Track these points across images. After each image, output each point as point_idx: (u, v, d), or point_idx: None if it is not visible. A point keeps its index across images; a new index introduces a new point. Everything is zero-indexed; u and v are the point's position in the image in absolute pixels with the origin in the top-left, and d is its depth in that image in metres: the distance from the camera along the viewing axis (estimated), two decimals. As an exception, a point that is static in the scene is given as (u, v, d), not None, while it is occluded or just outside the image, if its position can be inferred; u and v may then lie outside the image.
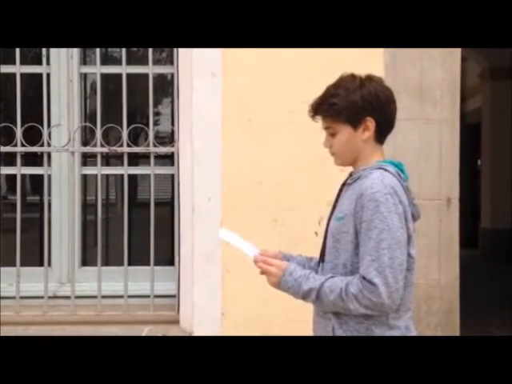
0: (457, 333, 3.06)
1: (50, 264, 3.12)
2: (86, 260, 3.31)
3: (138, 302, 3.07)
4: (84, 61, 3.41)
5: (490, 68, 10.08)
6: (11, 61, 3.10)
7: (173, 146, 3.10)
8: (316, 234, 2.72)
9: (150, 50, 3.07)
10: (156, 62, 3.41)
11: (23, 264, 3.09)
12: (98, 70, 3.12)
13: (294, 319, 2.72)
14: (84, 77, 3.36)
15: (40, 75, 3.10)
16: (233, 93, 2.97)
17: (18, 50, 3.05)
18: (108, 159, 3.57)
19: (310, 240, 2.69)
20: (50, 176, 3.14)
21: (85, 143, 3.29)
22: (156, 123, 3.38)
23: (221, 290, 2.95)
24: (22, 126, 3.05)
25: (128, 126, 3.07)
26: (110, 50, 3.72)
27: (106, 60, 3.58)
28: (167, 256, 3.36)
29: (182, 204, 3.02)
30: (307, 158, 2.90)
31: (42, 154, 3.09)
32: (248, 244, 1.92)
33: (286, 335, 2.00)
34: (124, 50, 3.10)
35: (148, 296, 3.05)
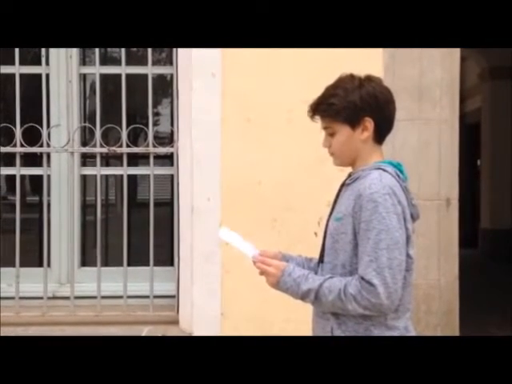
0: (456, 333, 3.06)
1: (49, 264, 3.12)
2: (86, 260, 3.31)
3: (138, 303, 3.07)
4: (83, 61, 3.41)
5: (490, 68, 10.08)
6: (11, 61, 3.10)
7: (172, 147, 3.10)
8: (315, 234, 2.72)
9: (150, 50, 3.07)
10: (155, 63, 3.41)
11: (23, 264, 3.09)
12: (97, 70, 3.12)
13: (294, 319, 2.72)
14: (83, 77, 3.36)
15: (39, 76, 3.10)
16: (232, 93, 2.97)
17: (17, 51, 3.05)
18: (107, 159, 3.57)
19: (309, 240, 2.69)
20: (49, 176, 3.14)
21: (84, 143, 3.29)
22: (155, 123, 3.38)
23: (220, 290, 2.95)
24: (21, 126, 3.05)
25: (127, 126, 3.07)
26: (109, 50, 3.72)
27: (106, 60, 3.58)
28: (166, 256, 3.36)
29: (182, 204, 3.03)
30: (306, 158, 2.90)
31: (41, 154, 3.09)
32: (247, 244, 1.92)
33: (285, 335, 2.00)
34: (123, 50, 3.10)
35: (147, 296, 3.05)
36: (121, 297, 3.04)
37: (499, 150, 10.03)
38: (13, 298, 3.03)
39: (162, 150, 3.14)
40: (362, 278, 1.71)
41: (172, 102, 3.24)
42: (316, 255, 1.95)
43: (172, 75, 3.16)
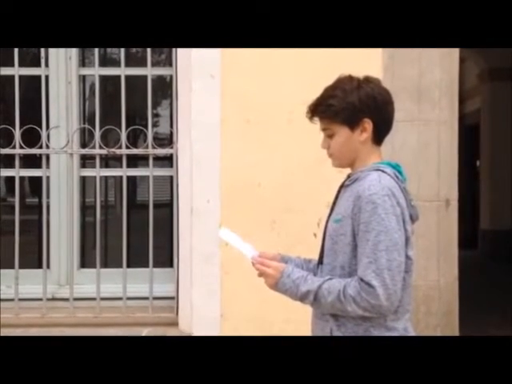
0: (456, 334, 3.06)
1: (48, 266, 3.12)
2: (85, 262, 3.31)
3: (137, 304, 3.07)
4: (83, 63, 3.41)
5: (489, 69, 10.09)
6: (10, 63, 3.10)
7: (171, 148, 3.10)
8: (315, 235, 2.72)
9: (149, 51, 3.07)
10: (155, 64, 3.41)
11: (22, 266, 3.08)
12: (96, 71, 3.12)
13: (293, 320, 2.72)
14: (83, 79, 3.36)
15: (39, 77, 3.10)
16: (231, 94, 2.97)
17: (16, 52, 3.05)
18: (107, 161, 3.57)
19: (308, 241, 2.69)
20: (48, 178, 3.14)
21: (83, 145, 3.29)
22: (155, 125, 3.37)
23: (220, 291, 2.95)
24: (20, 128, 3.05)
25: (127, 127, 3.07)
26: (108, 51, 3.72)
27: (105, 62, 3.58)
28: (166, 258, 3.36)
29: (181, 206, 3.02)
30: (306, 159, 2.90)
31: (40, 155, 3.09)
32: (247, 245, 1.92)
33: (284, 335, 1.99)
34: (123, 51, 3.10)
35: (147, 298, 3.04)
36: (120, 298, 3.04)
37: (498, 151, 10.03)
38: (12, 299, 3.03)
39: (161, 152, 3.14)
40: (362, 280, 1.71)
41: (171, 104, 3.24)
42: (315, 256, 1.94)
43: (171, 76, 3.16)
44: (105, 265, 3.32)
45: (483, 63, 10.15)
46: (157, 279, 3.07)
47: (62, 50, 3.15)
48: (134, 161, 3.50)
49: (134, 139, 3.56)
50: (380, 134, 1.86)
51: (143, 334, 2.93)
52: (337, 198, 1.90)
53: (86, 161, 3.45)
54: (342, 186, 1.90)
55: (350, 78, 1.85)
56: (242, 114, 2.97)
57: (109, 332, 2.90)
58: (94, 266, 3.10)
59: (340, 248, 1.80)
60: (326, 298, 1.75)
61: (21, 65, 3.10)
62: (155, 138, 3.12)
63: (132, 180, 3.82)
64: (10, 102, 3.22)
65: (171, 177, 3.17)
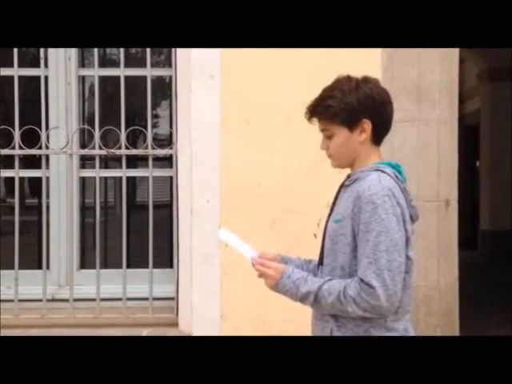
0: (456, 334, 3.06)
1: (48, 267, 3.11)
2: (85, 263, 3.31)
3: (137, 305, 3.07)
4: (82, 63, 3.41)
5: (489, 69, 10.09)
6: (9, 63, 3.10)
7: (171, 148, 3.10)
8: (315, 235, 2.72)
9: (148, 52, 3.07)
10: (154, 65, 3.41)
11: (22, 267, 3.08)
12: (96, 72, 3.12)
13: (293, 321, 2.72)
14: (82, 79, 3.36)
15: (38, 78, 3.10)
16: (231, 94, 2.97)
17: (16, 53, 3.05)
18: (106, 162, 3.56)
19: (308, 242, 2.69)
20: (48, 178, 3.14)
21: (83, 146, 3.29)
22: (154, 125, 3.37)
23: (219, 292, 2.95)
24: (20, 128, 3.05)
25: (126, 128, 3.06)
26: (108, 52, 3.72)
27: (104, 62, 3.58)
28: (166, 258, 3.36)
29: (181, 206, 3.02)
30: (306, 159, 2.90)
31: (40, 156, 3.09)
32: (246, 246, 1.92)
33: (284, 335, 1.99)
34: (122, 52, 3.09)
35: (147, 298, 3.04)
36: (120, 299, 3.03)
37: (498, 152, 10.03)
38: (12, 300, 3.02)
39: (161, 152, 3.14)
40: (362, 280, 1.71)
41: (171, 104, 3.24)
42: (315, 257, 1.94)
43: (171, 77, 3.16)
44: (105, 265, 3.32)
45: (483, 64, 10.15)
46: (157, 280, 3.07)
47: (61, 51, 3.14)
48: (134, 161, 3.50)
49: (134, 140, 3.55)
50: (379, 135, 1.86)
51: (143, 335, 2.93)
52: (336, 198, 1.90)
53: (85, 161, 3.45)
54: (341, 186, 1.90)
55: (349, 79, 1.85)
56: (241, 114, 2.97)
57: (109, 332, 2.90)
58: (93, 267, 3.09)
59: (340, 248, 1.80)
60: (326, 299, 1.75)
61: (20, 65, 3.10)
62: (155, 139, 3.12)
63: (132, 180, 3.82)
64: (9, 103, 3.21)
65: (171, 177, 3.17)
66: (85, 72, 3.31)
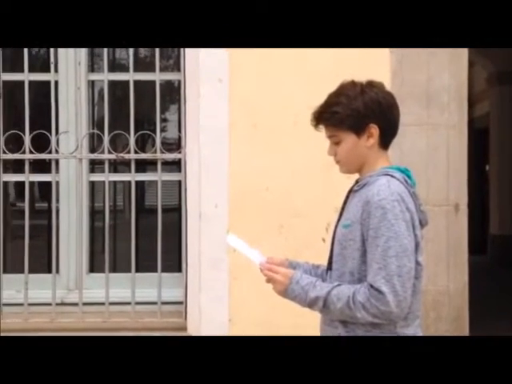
0: (466, 339, 3.04)
1: (57, 271, 3.12)
2: (94, 266, 3.32)
3: (146, 309, 3.07)
4: (92, 68, 3.43)
5: (498, 73, 10.05)
6: (20, 68, 3.12)
7: (180, 153, 3.11)
8: (323, 240, 2.71)
9: (157, 56, 3.08)
10: (163, 69, 3.43)
11: (31, 271, 3.09)
12: (105, 77, 3.14)
13: (302, 326, 2.70)
14: (92, 84, 3.38)
15: (48, 82, 3.12)
16: (239, 98, 2.97)
17: (26, 58, 3.07)
18: (115, 166, 3.58)
19: (316, 246, 2.68)
20: (57, 183, 3.15)
21: (92, 150, 3.30)
22: (163, 130, 3.39)
23: (228, 296, 2.94)
24: (30, 133, 3.06)
25: (135, 132, 3.07)
26: (117, 57, 3.74)
27: (114, 67, 3.60)
28: (174, 262, 3.36)
29: (189, 210, 3.03)
30: (314, 163, 2.89)
31: (50, 160, 3.10)
32: (254, 251, 1.92)
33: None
34: (131, 56, 3.11)
35: (155, 303, 3.04)
36: (129, 303, 3.04)
37: (508, 155, 9.98)
38: (21, 304, 3.03)
39: (169, 156, 3.14)
40: (371, 286, 1.70)
41: (179, 108, 3.25)
42: (323, 261, 1.94)
43: (179, 81, 3.17)
44: (113, 269, 3.33)
45: (491, 67, 10.11)
46: (165, 284, 3.07)
47: (71, 56, 3.16)
48: (143, 165, 3.51)
49: (143, 144, 3.57)
50: (386, 139, 1.85)
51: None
52: (345, 203, 1.89)
53: (94, 165, 3.47)
54: (350, 191, 1.89)
55: (353, 84, 1.84)
56: (250, 118, 2.98)
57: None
58: (102, 271, 3.10)
59: (349, 253, 1.79)
60: (335, 305, 1.74)
61: (30, 70, 3.12)
62: (163, 143, 3.13)
63: (140, 185, 3.84)
64: (19, 108, 3.23)
65: (179, 181, 3.17)
66: (94, 77, 3.33)
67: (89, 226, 3.26)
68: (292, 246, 2.86)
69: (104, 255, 3.08)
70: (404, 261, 1.70)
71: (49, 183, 3.15)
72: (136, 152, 3.07)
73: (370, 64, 2.81)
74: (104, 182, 3.12)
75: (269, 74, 2.99)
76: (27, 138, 3.06)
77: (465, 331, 3.06)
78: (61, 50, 3.15)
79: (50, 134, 3.08)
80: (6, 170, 3.16)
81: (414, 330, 1.79)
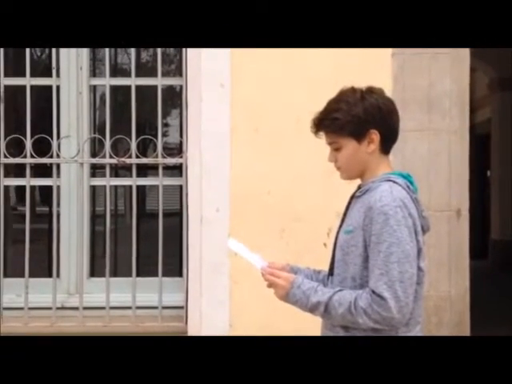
0: (467, 345, 3.03)
1: (58, 275, 3.12)
2: (95, 271, 3.31)
3: (146, 313, 3.06)
4: (93, 73, 3.44)
5: (499, 78, 10.06)
6: (21, 73, 3.12)
7: (181, 157, 3.11)
8: (325, 245, 2.71)
9: (159, 61, 3.09)
10: (165, 74, 3.42)
11: (32, 275, 3.09)
12: (107, 81, 3.14)
13: (303, 331, 2.69)
14: (93, 89, 3.38)
15: (50, 87, 3.12)
16: (241, 103, 2.97)
17: (28, 62, 3.08)
18: (117, 170, 3.58)
19: (317, 251, 2.68)
20: (59, 187, 3.15)
21: (94, 154, 3.30)
22: (164, 134, 3.39)
23: (229, 301, 2.94)
24: (31, 137, 3.07)
25: (137, 137, 3.08)
26: (119, 61, 3.75)
27: (116, 72, 3.61)
28: (175, 267, 3.36)
29: (191, 215, 3.02)
30: (316, 167, 2.89)
31: (51, 165, 3.10)
32: (255, 256, 1.91)
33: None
34: (133, 61, 3.12)
35: (156, 307, 3.04)
36: (129, 307, 3.04)
37: (509, 161, 9.98)
38: (22, 308, 3.03)
39: (171, 161, 3.15)
40: (373, 292, 1.70)
41: (181, 113, 3.25)
42: (325, 266, 1.93)
43: (181, 86, 3.17)
44: (114, 274, 3.32)
45: (493, 73, 10.12)
46: (166, 288, 3.07)
47: (73, 60, 3.17)
48: (144, 170, 3.51)
49: (144, 149, 3.57)
50: (387, 144, 1.85)
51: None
52: (347, 208, 1.89)
53: (96, 170, 3.46)
54: (352, 197, 1.89)
55: (353, 90, 1.84)
56: (251, 122, 2.98)
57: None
58: (103, 275, 3.10)
59: (351, 259, 1.79)
60: (336, 310, 1.74)
61: (32, 75, 3.12)
62: (165, 148, 3.13)
63: (142, 189, 3.84)
64: (21, 112, 3.24)
65: (181, 186, 3.18)
66: (96, 81, 3.33)
67: (90, 231, 3.26)
68: (293, 251, 2.85)
69: (105, 259, 3.08)
70: (406, 267, 1.70)
71: (50, 187, 3.15)
72: (137, 156, 3.07)
73: (371, 69, 2.81)
74: (105, 186, 3.12)
75: (270, 78, 2.99)
76: (28, 143, 3.07)
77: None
78: (63, 55, 3.15)
79: (52, 139, 3.08)
80: (7, 175, 3.16)
81: (415, 335, 1.78)
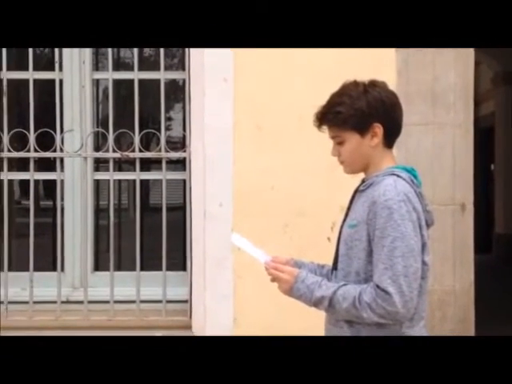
0: (471, 339, 3.03)
1: (63, 269, 3.13)
2: (99, 265, 3.32)
3: (151, 307, 3.07)
4: (96, 66, 3.43)
5: (503, 72, 10.01)
6: (24, 67, 3.12)
7: (184, 151, 3.11)
8: (329, 239, 2.70)
9: (162, 55, 3.08)
10: (168, 68, 3.43)
11: (36, 269, 3.10)
12: (110, 75, 3.14)
13: (308, 325, 2.70)
14: (96, 82, 3.37)
15: (53, 81, 3.12)
16: (244, 98, 2.97)
17: (31, 56, 3.07)
18: (120, 164, 3.58)
19: (321, 245, 2.67)
20: (62, 181, 3.16)
21: (97, 148, 3.30)
22: (168, 128, 3.38)
23: (233, 295, 2.94)
24: (35, 131, 3.07)
25: (140, 131, 3.07)
26: (121, 55, 3.75)
27: (118, 66, 3.60)
28: (179, 261, 3.36)
29: (194, 209, 3.02)
30: (319, 162, 2.88)
31: (54, 159, 3.11)
32: (259, 251, 1.91)
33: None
34: (136, 55, 3.11)
35: (160, 301, 3.05)
36: (134, 301, 3.04)
37: (513, 154, 9.95)
38: (27, 302, 3.04)
39: (174, 155, 3.14)
40: (378, 286, 1.69)
41: (184, 107, 3.24)
42: (328, 261, 1.93)
43: (184, 80, 3.16)
44: (118, 268, 3.33)
45: (497, 66, 10.07)
46: (170, 282, 3.07)
47: (76, 55, 3.16)
48: (147, 164, 3.51)
49: (147, 143, 3.57)
50: (391, 138, 1.84)
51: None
52: (351, 203, 1.88)
53: (99, 164, 3.46)
54: (356, 191, 1.88)
55: (356, 84, 1.83)
56: (254, 117, 2.97)
57: (122, 335, 2.90)
58: (107, 269, 3.10)
59: (355, 254, 1.78)
60: (340, 304, 1.74)
61: (35, 69, 3.12)
62: (168, 142, 3.13)
63: (145, 183, 3.84)
64: (24, 106, 3.24)
65: (184, 180, 3.17)
66: (99, 75, 3.33)
67: (94, 225, 3.27)
68: (297, 246, 2.85)
69: (109, 253, 3.08)
70: (410, 261, 1.69)
71: (53, 181, 3.15)
72: (141, 151, 3.07)
73: (375, 63, 2.80)
74: (109, 180, 3.12)
75: (273, 73, 2.98)
76: (32, 137, 3.07)
77: (471, 330, 3.05)
78: (65, 49, 3.15)
79: (55, 133, 3.08)
80: (10, 169, 3.16)
81: (419, 330, 1.78)
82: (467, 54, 3.03)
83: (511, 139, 10.00)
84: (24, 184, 3.49)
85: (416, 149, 2.93)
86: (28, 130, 3.08)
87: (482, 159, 9.95)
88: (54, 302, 3.05)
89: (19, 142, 3.21)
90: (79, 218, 3.17)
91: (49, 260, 3.55)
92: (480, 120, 10.21)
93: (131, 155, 3.08)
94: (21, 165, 3.29)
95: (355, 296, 1.72)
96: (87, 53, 3.18)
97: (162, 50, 3.09)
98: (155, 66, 3.23)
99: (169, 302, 3.06)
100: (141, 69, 3.17)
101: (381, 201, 1.72)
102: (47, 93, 3.39)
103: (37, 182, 3.46)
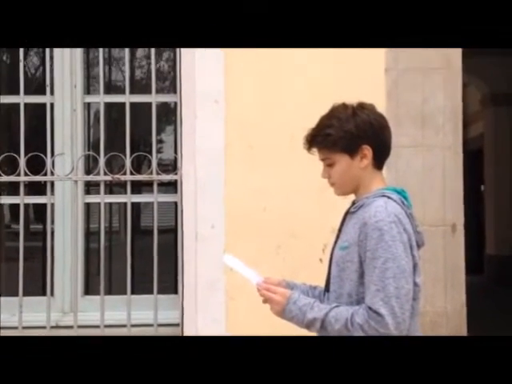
0: (464, 361, 3.01)
1: (52, 293, 3.10)
2: (89, 289, 3.29)
3: (142, 331, 3.04)
4: (88, 90, 3.44)
5: (491, 94, 10.15)
6: (15, 91, 3.13)
7: (176, 174, 3.11)
8: (320, 260, 2.70)
9: (153, 78, 3.10)
10: (159, 91, 3.44)
11: (26, 293, 3.06)
12: (101, 99, 3.15)
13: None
14: (88, 106, 3.38)
15: (44, 105, 3.12)
16: (236, 119, 2.98)
17: (21, 80, 3.08)
18: (111, 187, 3.57)
19: (313, 267, 2.67)
20: (53, 205, 3.14)
21: (88, 172, 3.30)
22: (159, 151, 3.39)
23: (225, 318, 2.92)
24: (25, 155, 3.06)
25: (131, 154, 3.08)
26: (113, 79, 3.75)
27: (110, 89, 3.61)
28: (170, 284, 3.34)
29: (186, 231, 3.01)
30: (311, 183, 2.89)
31: (45, 182, 3.09)
32: (251, 271, 1.91)
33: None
34: (127, 78, 3.12)
35: (151, 325, 3.02)
36: (124, 326, 3.01)
37: (502, 176, 10.03)
38: (16, 327, 3.00)
39: (165, 178, 3.14)
40: (370, 308, 1.69)
41: (175, 130, 3.25)
42: (321, 282, 1.93)
43: (175, 103, 3.18)
44: (109, 292, 3.29)
45: (485, 88, 10.21)
46: (161, 306, 3.05)
47: (67, 78, 3.17)
48: (139, 187, 3.50)
49: (139, 165, 3.56)
50: (380, 159, 1.87)
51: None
52: (342, 224, 1.89)
53: (90, 187, 3.45)
54: (347, 213, 1.89)
55: (345, 106, 1.86)
56: (246, 138, 2.99)
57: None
58: (98, 293, 3.07)
59: (347, 275, 1.78)
60: (332, 326, 1.73)
61: (26, 92, 3.12)
62: (159, 164, 3.13)
63: (136, 206, 3.82)
64: (15, 130, 3.23)
65: (175, 203, 3.17)
66: (90, 99, 3.34)
67: (84, 248, 3.25)
68: (289, 267, 2.84)
69: (99, 277, 3.06)
70: (402, 282, 1.70)
71: (44, 205, 3.13)
72: (132, 173, 3.07)
73: (364, 85, 2.83)
74: (100, 203, 3.11)
75: (265, 94, 3.00)
76: (22, 160, 3.06)
77: (463, 352, 3.03)
78: (57, 73, 3.16)
79: (46, 156, 3.07)
80: (0, 193, 3.15)
81: (414, 335, 1.77)
82: (455, 76, 3.07)
83: (500, 160, 10.10)
84: (14, 208, 3.47)
85: (406, 170, 2.95)
86: (18, 153, 3.07)
87: (471, 180, 10.03)
88: (44, 328, 3.01)
89: (9, 165, 3.20)
90: (69, 241, 3.15)
91: (38, 284, 3.51)
92: (469, 142, 10.32)
93: (122, 178, 3.08)
94: (11, 188, 3.27)
95: (347, 318, 1.71)
96: (79, 76, 3.20)
97: (153, 73, 3.12)
98: (147, 89, 3.25)
99: (160, 325, 3.03)
100: (132, 92, 3.18)
101: (371, 222, 1.73)
102: (38, 117, 3.39)
103: (27, 205, 3.45)
